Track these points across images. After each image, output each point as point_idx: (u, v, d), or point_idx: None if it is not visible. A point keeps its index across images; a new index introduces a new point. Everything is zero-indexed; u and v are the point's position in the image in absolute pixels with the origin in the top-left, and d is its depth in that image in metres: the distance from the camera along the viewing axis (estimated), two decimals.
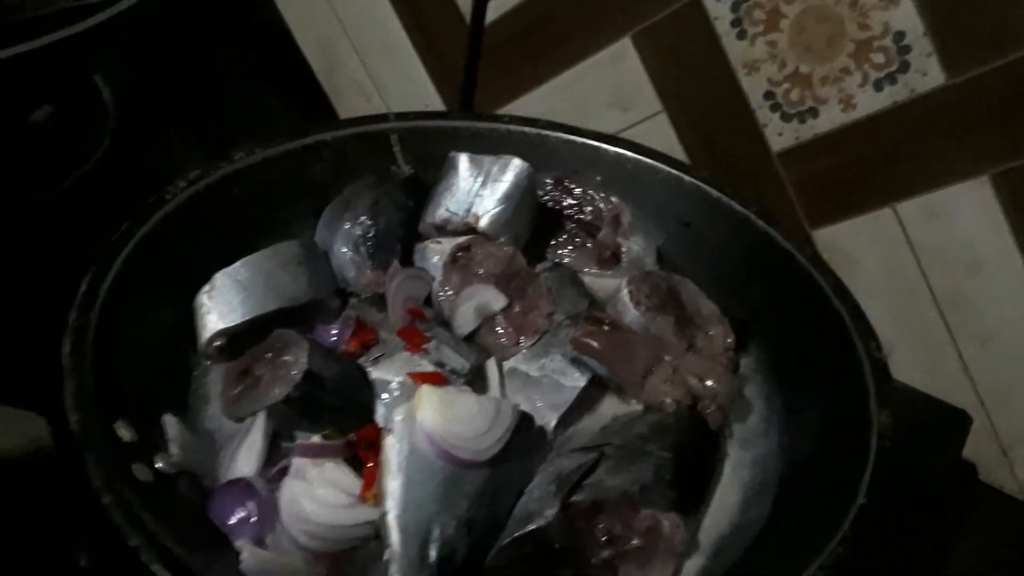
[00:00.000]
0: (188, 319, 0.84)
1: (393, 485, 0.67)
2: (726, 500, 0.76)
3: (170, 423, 0.74)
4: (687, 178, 0.98)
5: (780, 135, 1.06)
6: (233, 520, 0.69)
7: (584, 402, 0.80)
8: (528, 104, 1.24)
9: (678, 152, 1.15)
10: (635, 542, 0.67)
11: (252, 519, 0.69)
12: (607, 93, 1.16)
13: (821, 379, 0.82)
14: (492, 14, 1.20)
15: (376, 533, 0.68)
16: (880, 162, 1.02)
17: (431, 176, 0.98)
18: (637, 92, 1.13)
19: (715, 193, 0.97)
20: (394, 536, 0.65)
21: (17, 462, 0.61)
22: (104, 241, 0.80)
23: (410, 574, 0.64)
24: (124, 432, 0.68)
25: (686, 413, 0.78)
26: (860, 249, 1.07)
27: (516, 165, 0.91)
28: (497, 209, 0.90)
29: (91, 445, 0.64)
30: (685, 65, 1.09)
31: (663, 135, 1.14)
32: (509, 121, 1.03)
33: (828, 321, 0.83)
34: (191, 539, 0.64)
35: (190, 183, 0.88)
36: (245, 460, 0.73)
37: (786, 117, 1.05)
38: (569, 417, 0.79)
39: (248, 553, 0.66)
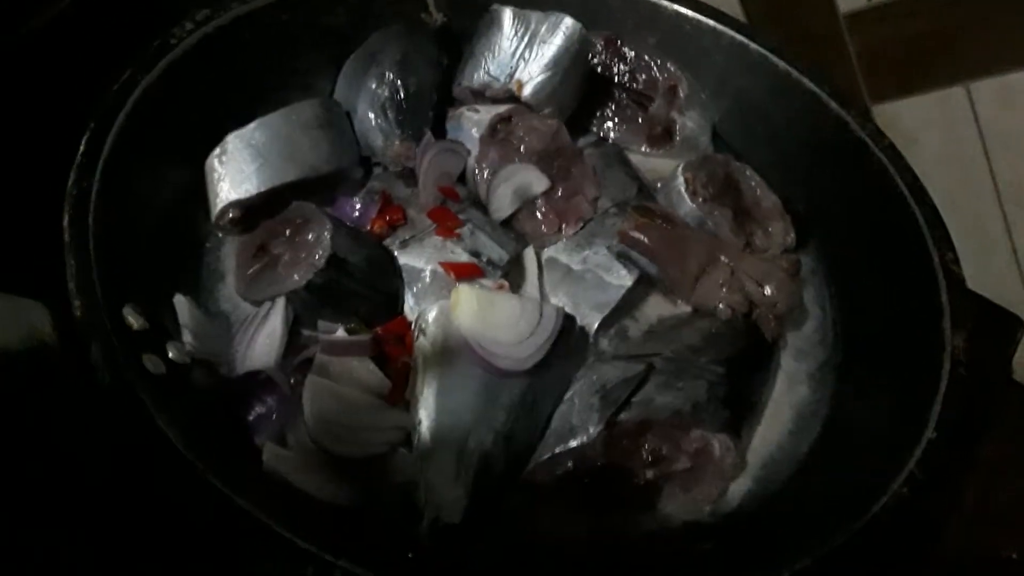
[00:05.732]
0: (198, 184, 0.76)
1: (427, 392, 0.62)
2: (777, 418, 0.72)
3: (182, 305, 0.68)
4: (753, 45, 0.88)
5: None
6: (252, 416, 0.64)
7: (628, 302, 0.74)
8: None
9: (734, 5, 1.04)
10: (683, 464, 0.63)
11: (273, 416, 0.64)
12: None
13: (888, 289, 0.76)
14: None
15: (407, 439, 0.64)
16: (959, 35, 0.92)
17: (465, 27, 0.87)
18: None
19: (783, 65, 0.87)
20: (428, 447, 0.61)
21: (14, 357, 0.54)
22: (103, 92, 0.70)
23: (445, 487, 0.60)
24: (133, 319, 0.62)
25: (740, 321, 0.72)
26: (923, 129, 0.99)
27: (567, 25, 0.79)
28: (543, 76, 0.79)
29: (97, 334, 0.58)
30: None
31: None
32: None
33: (901, 224, 0.76)
34: (208, 436, 0.59)
35: (198, 25, 0.77)
36: (264, 350, 0.67)
37: None
38: (612, 318, 0.73)
39: (270, 452, 0.62)
